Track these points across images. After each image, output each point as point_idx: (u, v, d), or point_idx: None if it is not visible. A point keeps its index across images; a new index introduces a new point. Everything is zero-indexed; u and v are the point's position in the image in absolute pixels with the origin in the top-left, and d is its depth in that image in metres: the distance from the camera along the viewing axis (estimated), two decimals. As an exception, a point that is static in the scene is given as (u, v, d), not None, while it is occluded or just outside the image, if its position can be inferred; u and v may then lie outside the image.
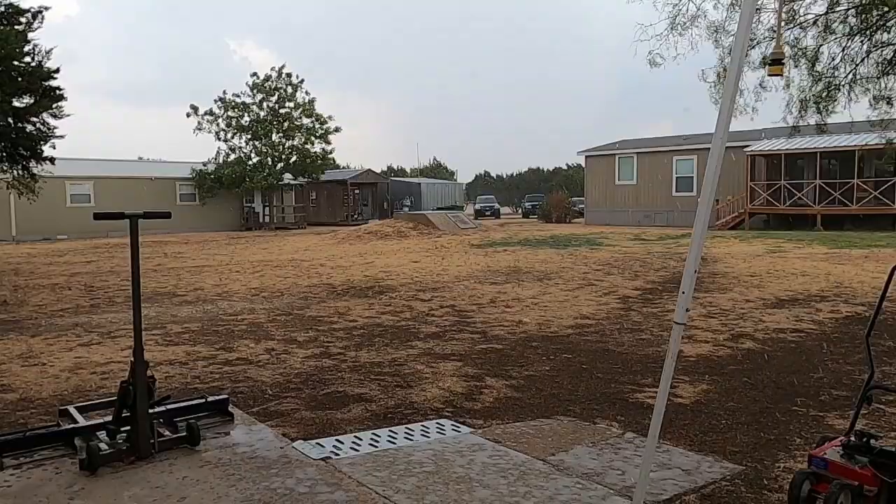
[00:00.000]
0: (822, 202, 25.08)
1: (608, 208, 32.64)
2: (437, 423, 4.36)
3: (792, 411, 4.54)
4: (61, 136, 13.50)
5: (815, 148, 25.20)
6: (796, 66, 9.20)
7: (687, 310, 2.16)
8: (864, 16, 8.51)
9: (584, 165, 35.62)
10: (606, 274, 12.30)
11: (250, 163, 35.56)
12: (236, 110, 35.27)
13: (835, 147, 24.84)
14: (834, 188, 25.00)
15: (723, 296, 9.56)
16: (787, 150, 25.90)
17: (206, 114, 35.06)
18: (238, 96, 35.36)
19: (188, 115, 34.92)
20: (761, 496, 3.23)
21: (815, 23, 8.75)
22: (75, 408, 4.22)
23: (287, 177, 37.12)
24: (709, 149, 2.39)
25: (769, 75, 8.40)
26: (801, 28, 8.80)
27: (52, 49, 12.72)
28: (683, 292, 2.18)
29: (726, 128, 2.32)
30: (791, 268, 12.48)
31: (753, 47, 9.02)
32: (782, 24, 8.44)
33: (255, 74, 35.42)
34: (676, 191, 30.26)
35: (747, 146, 26.38)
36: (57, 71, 12.76)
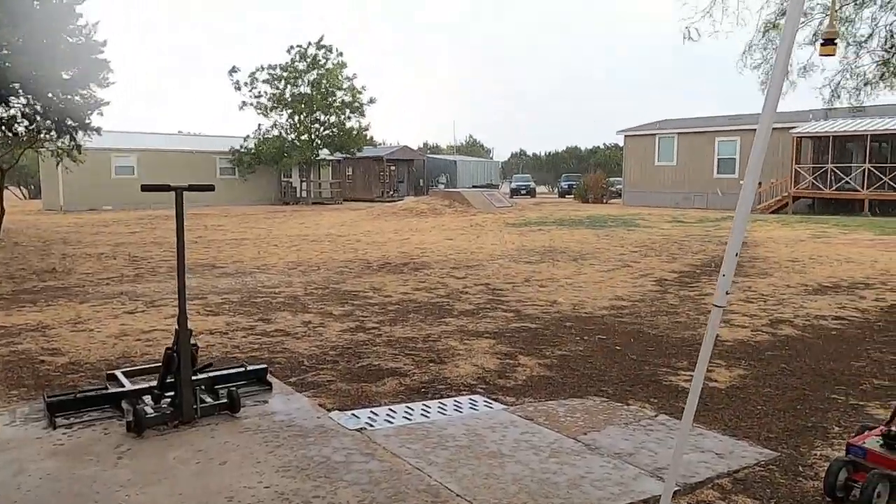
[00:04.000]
0: (870, 187, 24.26)
1: (647, 189, 32.11)
2: (470, 398, 4.41)
3: (830, 399, 4.47)
4: (107, 103, 13.85)
5: (864, 130, 24.31)
6: (847, 46, 8.84)
7: (727, 293, 2.14)
8: None
9: (622, 145, 35.03)
10: (643, 255, 12.16)
11: (290, 138, 35.86)
12: (279, 82, 35.31)
13: (886, 129, 23.94)
14: (884, 172, 24.15)
15: (762, 281, 9.38)
16: (835, 132, 25.06)
17: (252, 74, 35.13)
18: (281, 68, 35.32)
19: (230, 74, 35.15)
20: (796, 483, 3.21)
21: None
22: (122, 372, 4.39)
23: (324, 152, 37.37)
24: (753, 130, 2.35)
25: (821, 55, 8.11)
26: (855, 4, 8.42)
27: (98, 22, 13.02)
28: (724, 275, 2.16)
29: (773, 110, 2.27)
30: (835, 254, 12.16)
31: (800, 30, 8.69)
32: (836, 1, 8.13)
33: (291, 48, 35.37)
34: (718, 172, 29.58)
35: (794, 127, 25.59)
36: (104, 44, 13.05)
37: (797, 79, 9.24)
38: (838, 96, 9.24)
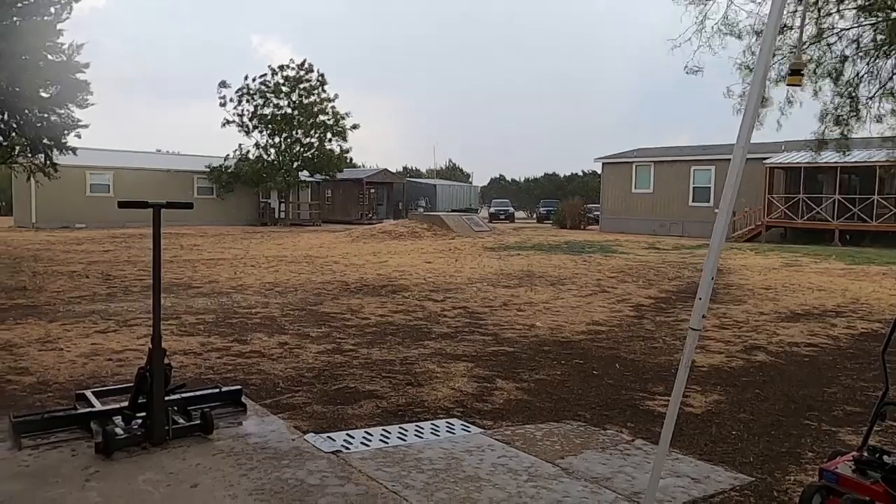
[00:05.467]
0: (840, 217, 24.83)
1: (624, 216, 32.51)
2: (448, 422, 4.38)
3: (804, 425, 4.52)
4: (85, 126, 13.68)
5: (834, 162, 24.87)
6: (814, 83, 9.12)
7: (703, 316, 2.17)
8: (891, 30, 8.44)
9: (600, 172, 35.51)
10: (620, 281, 12.27)
11: (269, 158, 35.83)
12: (262, 97, 35.47)
13: (855, 162, 24.58)
14: (853, 203, 24.76)
15: (737, 307, 9.50)
16: (806, 163, 25.64)
17: (240, 92, 35.29)
18: (266, 84, 35.54)
19: (219, 87, 35.35)
20: (771, 508, 3.22)
21: (840, 37, 8.68)
22: (92, 392, 4.29)
23: (303, 174, 37.32)
24: (728, 159, 2.41)
25: (788, 85, 8.40)
26: (827, 45, 8.71)
27: (83, 44, 12.90)
28: (700, 298, 2.19)
29: (748, 140, 2.33)
30: (807, 282, 12.38)
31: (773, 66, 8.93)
32: (804, 37, 8.41)
33: (272, 68, 35.61)
34: (693, 201, 30.09)
35: (767, 158, 26.18)
36: (87, 66, 12.95)
37: (779, 115, 9.50)
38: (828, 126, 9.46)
